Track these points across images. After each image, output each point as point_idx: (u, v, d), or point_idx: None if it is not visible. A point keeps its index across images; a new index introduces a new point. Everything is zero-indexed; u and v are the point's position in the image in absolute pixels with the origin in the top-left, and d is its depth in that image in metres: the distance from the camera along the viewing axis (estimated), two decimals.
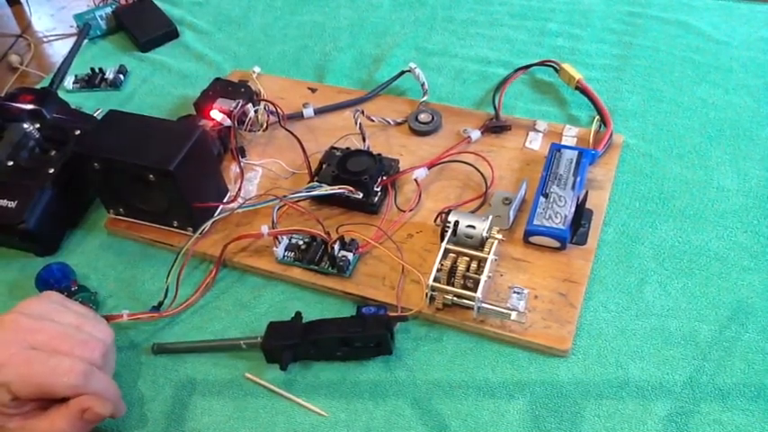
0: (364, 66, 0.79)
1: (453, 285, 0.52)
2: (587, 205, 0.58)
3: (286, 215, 0.60)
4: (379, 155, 0.62)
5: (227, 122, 0.65)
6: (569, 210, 0.56)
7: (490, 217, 0.55)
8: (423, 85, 0.71)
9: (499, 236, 0.54)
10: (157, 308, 0.56)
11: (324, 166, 0.63)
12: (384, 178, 0.61)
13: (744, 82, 0.71)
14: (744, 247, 0.56)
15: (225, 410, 0.50)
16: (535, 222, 0.56)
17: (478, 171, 0.62)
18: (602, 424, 0.47)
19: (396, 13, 0.87)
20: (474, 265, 0.53)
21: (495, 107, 0.69)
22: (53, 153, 0.62)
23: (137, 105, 0.77)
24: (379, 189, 0.61)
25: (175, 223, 0.60)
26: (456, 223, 0.54)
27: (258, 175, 0.65)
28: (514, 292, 0.51)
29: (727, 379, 0.49)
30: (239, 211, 0.60)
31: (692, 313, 0.52)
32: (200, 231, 0.59)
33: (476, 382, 0.50)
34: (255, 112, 0.68)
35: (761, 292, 0.53)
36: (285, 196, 0.59)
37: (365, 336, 0.50)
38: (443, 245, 0.53)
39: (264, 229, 0.56)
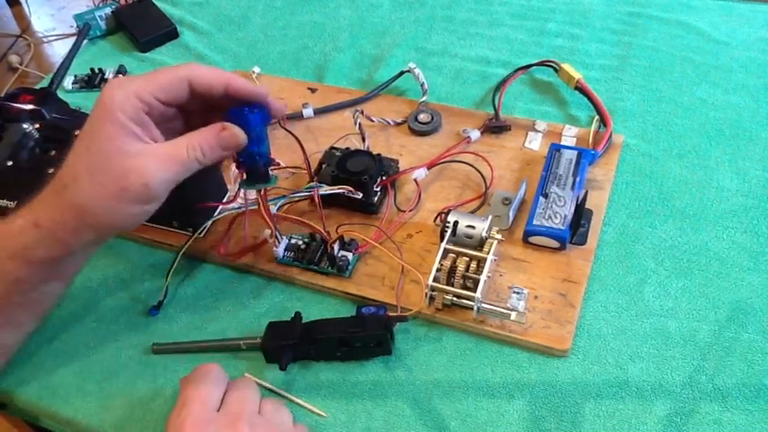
0: (364, 66, 0.79)
1: (453, 285, 0.52)
2: (587, 205, 0.58)
3: (285, 214, 0.60)
4: (379, 155, 0.62)
5: None
6: (569, 210, 0.56)
7: (490, 217, 0.55)
8: (422, 85, 0.71)
9: (499, 236, 0.54)
10: (157, 308, 0.56)
11: (323, 166, 0.63)
12: (384, 178, 0.61)
13: (744, 82, 0.71)
14: (743, 247, 0.56)
15: None
16: (535, 222, 0.56)
17: (478, 171, 0.62)
18: (602, 424, 0.47)
19: (396, 13, 0.87)
20: (473, 265, 0.53)
21: (494, 107, 0.69)
22: (53, 153, 0.62)
23: None
24: (378, 189, 0.61)
25: (175, 223, 0.60)
26: (455, 223, 0.54)
27: None
28: (514, 292, 0.51)
29: (726, 379, 0.49)
30: (239, 210, 0.60)
31: (691, 313, 0.52)
32: (200, 231, 0.59)
33: (475, 382, 0.50)
34: None
35: (760, 292, 0.53)
36: (285, 196, 0.59)
37: (365, 336, 0.50)
38: (443, 245, 0.53)
39: (266, 232, 0.56)
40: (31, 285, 0.48)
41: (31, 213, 0.46)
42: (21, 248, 0.46)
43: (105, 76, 0.81)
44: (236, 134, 0.47)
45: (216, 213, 0.60)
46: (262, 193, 0.53)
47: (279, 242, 0.57)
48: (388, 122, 0.69)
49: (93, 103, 0.45)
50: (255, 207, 0.55)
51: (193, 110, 0.49)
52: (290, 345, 0.50)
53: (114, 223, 0.46)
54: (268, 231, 0.56)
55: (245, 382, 0.47)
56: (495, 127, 0.67)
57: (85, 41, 0.86)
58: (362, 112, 0.67)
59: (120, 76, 0.81)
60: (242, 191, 0.53)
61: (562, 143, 0.65)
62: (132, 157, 0.44)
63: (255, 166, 0.49)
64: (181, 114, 0.49)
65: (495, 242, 0.53)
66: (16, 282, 0.47)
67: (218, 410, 0.44)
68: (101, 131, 0.44)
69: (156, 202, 0.46)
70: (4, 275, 0.46)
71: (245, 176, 0.50)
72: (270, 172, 0.51)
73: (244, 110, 0.48)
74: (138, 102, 0.44)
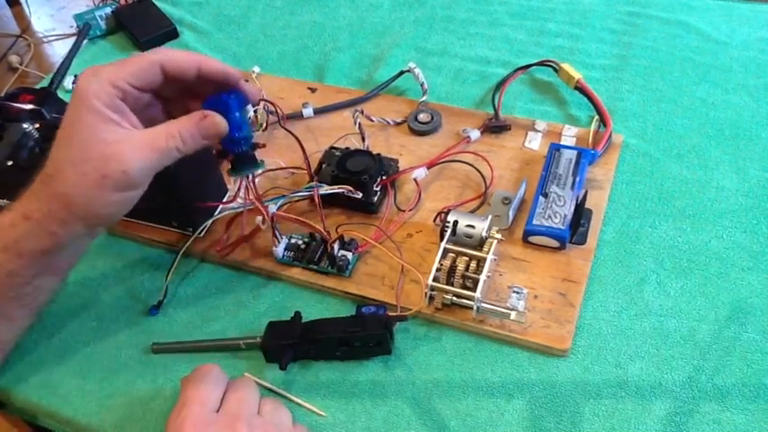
0: (364, 66, 0.79)
1: (453, 285, 0.52)
2: (587, 205, 0.58)
3: (285, 213, 0.60)
4: (379, 155, 0.62)
5: None
6: (569, 209, 0.56)
7: (489, 217, 0.55)
8: (422, 84, 0.71)
9: (498, 235, 0.54)
10: (157, 307, 0.56)
11: (323, 165, 0.63)
12: (383, 178, 0.61)
13: (744, 82, 0.71)
14: (743, 247, 0.56)
15: None
16: (534, 222, 0.56)
17: (478, 171, 0.62)
18: (602, 423, 0.47)
19: (395, 13, 0.87)
20: (473, 264, 0.53)
21: (494, 107, 0.69)
22: None
23: None
24: (378, 189, 0.61)
25: (175, 223, 0.60)
26: (455, 223, 0.54)
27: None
28: (514, 292, 0.51)
29: (726, 379, 0.49)
30: (239, 210, 0.60)
31: (691, 313, 0.52)
32: (199, 231, 0.59)
33: (475, 381, 0.50)
34: (255, 111, 0.68)
35: (760, 291, 0.53)
36: (284, 196, 0.59)
37: (364, 335, 0.50)
38: (443, 244, 0.54)
39: (272, 209, 0.56)
40: (23, 279, 0.48)
41: (20, 206, 0.46)
42: (12, 241, 0.46)
43: None
44: (217, 122, 0.47)
45: (216, 213, 0.60)
46: (250, 178, 0.53)
47: (279, 242, 0.57)
48: (388, 122, 0.69)
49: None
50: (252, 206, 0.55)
51: (171, 96, 0.49)
52: (289, 344, 0.51)
53: (98, 211, 0.46)
54: (260, 218, 0.56)
55: (244, 383, 0.47)
56: (494, 127, 0.67)
57: (85, 41, 0.86)
58: (362, 112, 0.67)
59: None
60: (242, 191, 0.53)
61: (562, 143, 0.65)
62: (111, 144, 0.44)
63: (240, 151, 0.49)
64: (158, 101, 0.49)
65: (495, 242, 0.53)
66: (9, 275, 0.47)
67: (218, 411, 0.45)
68: (80, 121, 0.44)
69: (139, 189, 0.46)
70: None
71: (231, 164, 0.50)
72: (256, 156, 0.50)
73: (221, 95, 0.48)
74: (112, 88, 0.44)
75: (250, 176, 0.52)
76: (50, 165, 0.46)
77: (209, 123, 0.47)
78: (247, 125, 0.49)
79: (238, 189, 0.54)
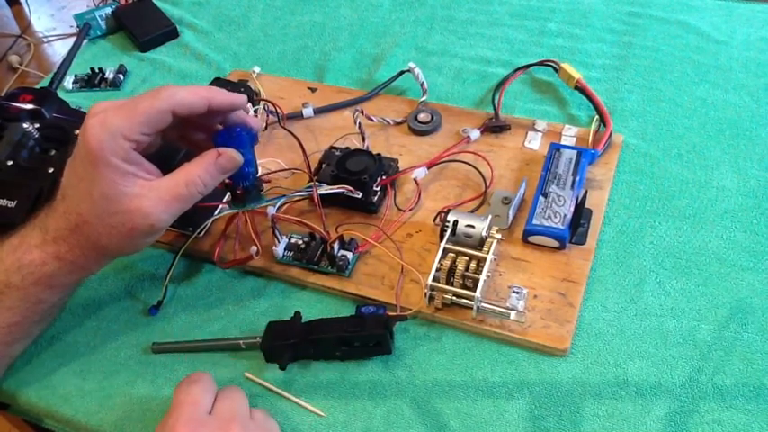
0: (364, 65, 0.79)
1: (452, 285, 0.52)
2: (587, 205, 0.58)
3: (284, 215, 0.60)
4: (379, 154, 0.62)
5: None
6: (568, 209, 0.56)
7: (489, 216, 0.55)
8: (422, 84, 0.71)
9: (498, 235, 0.54)
10: (157, 307, 0.56)
11: (323, 165, 0.63)
12: (383, 178, 0.61)
13: (744, 82, 0.71)
14: (743, 247, 0.56)
15: None
16: (534, 222, 0.56)
17: (478, 171, 0.62)
18: (601, 423, 0.47)
19: (396, 13, 0.87)
20: (473, 264, 0.53)
21: (494, 107, 0.69)
22: (53, 153, 0.62)
23: None
24: (378, 189, 0.61)
25: (175, 223, 0.60)
26: (455, 223, 0.54)
27: None
28: (514, 292, 0.51)
29: (726, 378, 0.49)
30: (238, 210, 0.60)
31: (691, 313, 0.52)
32: (199, 231, 0.59)
33: (475, 381, 0.50)
34: (255, 111, 0.68)
35: (760, 291, 0.53)
36: (284, 196, 0.59)
37: (364, 335, 0.50)
38: (443, 244, 0.54)
39: (271, 210, 0.57)
40: (51, 303, 0.51)
41: (47, 246, 0.48)
42: (45, 276, 0.48)
43: (105, 76, 0.81)
44: (233, 156, 0.49)
45: (216, 213, 0.60)
46: (249, 211, 0.54)
47: (279, 242, 0.57)
48: (388, 122, 0.69)
49: (78, 142, 0.46)
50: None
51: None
52: (289, 344, 0.51)
53: (130, 252, 0.51)
54: (254, 249, 0.56)
55: (234, 390, 0.47)
56: (494, 126, 0.67)
57: (86, 41, 0.86)
58: (362, 112, 0.67)
59: (120, 76, 0.81)
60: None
61: (562, 143, 0.65)
62: (134, 199, 0.46)
63: (247, 185, 0.50)
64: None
65: (495, 241, 0.53)
66: (38, 302, 0.49)
67: (210, 414, 0.44)
68: (98, 177, 0.45)
69: (165, 230, 0.49)
70: (27, 298, 0.49)
71: (234, 197, 0.52)
72: (260, 191, 0.52)
73: (234, 129, 0.49)
74: (126, 142, 0.45)
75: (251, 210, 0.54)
76: (74, 214, 0.47)
77: (226, 160, 0.48)
78: (256, 160, 0.51)
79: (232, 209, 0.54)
